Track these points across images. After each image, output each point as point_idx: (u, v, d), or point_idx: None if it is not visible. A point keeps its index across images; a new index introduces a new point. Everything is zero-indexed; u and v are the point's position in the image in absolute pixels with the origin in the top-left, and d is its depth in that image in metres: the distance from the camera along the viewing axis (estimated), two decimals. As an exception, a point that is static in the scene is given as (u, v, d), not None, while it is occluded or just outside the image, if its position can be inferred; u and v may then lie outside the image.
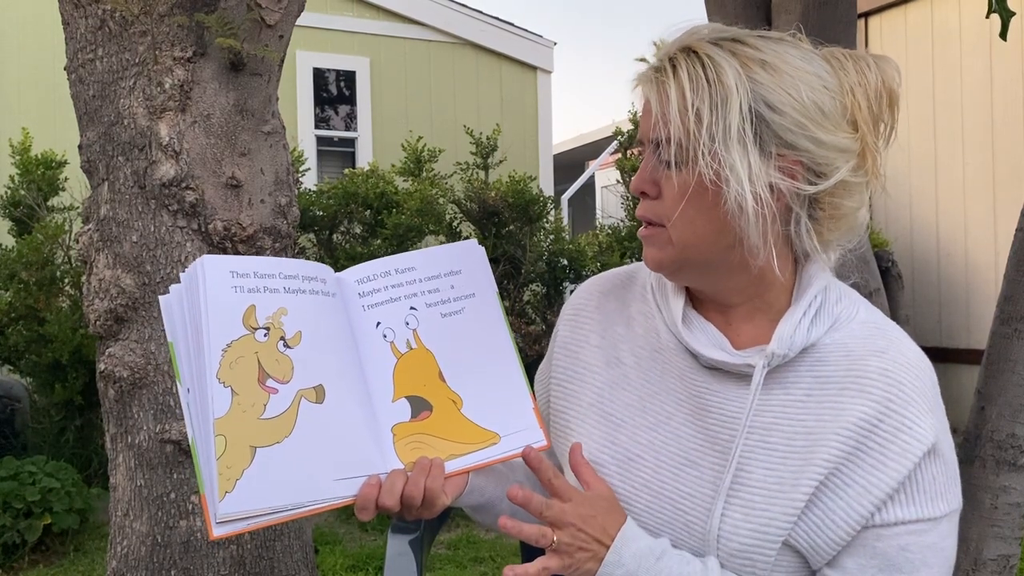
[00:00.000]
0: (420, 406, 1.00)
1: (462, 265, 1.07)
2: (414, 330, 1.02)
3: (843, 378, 0.95)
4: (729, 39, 0.94)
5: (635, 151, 5.95)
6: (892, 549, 0.93)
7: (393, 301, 1.03)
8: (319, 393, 0.94)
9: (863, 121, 0.94)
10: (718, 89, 0.90)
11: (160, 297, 0.96)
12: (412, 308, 1.03)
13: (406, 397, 1.00)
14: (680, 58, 0.93)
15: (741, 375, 0.98)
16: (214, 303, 0.92)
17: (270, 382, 0.92)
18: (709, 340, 1.00)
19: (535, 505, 0.95)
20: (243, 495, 0.88)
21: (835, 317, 0.99)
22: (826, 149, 0.92)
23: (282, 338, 0.94)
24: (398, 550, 1.15)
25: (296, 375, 0.93)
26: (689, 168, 0.92)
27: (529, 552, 1.30)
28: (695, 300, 1.04)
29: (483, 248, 1.10)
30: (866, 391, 0.94)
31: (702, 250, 0.96)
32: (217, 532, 0.87)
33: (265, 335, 0.93)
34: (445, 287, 1.05)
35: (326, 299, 0.99)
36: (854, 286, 1.06)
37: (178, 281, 0.96)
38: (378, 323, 1.01)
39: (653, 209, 0.97)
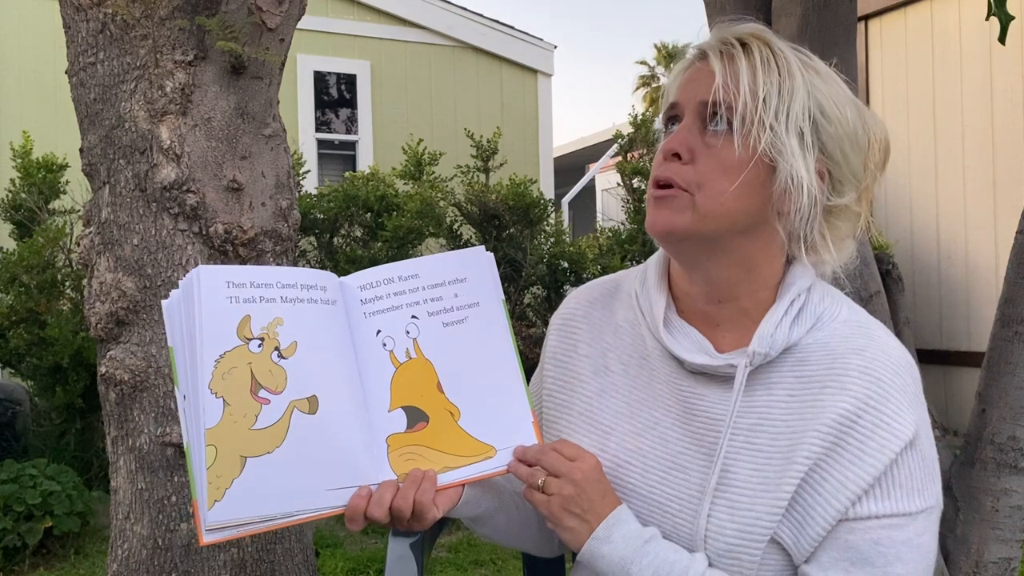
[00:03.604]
0: (416, 417, 0.99)
1: (468, 273, 1.05)
2: (414, 339, 1.01)
3: (824, 377, 0.96)
4: (788, 45, 0.99)
5: (634, 155, 5.95)
6: (864, 543, 0.93)
7: (395, 309, 1.01)
8: (312, 404, 0.93)
9: (872, 163, 1.00)
10: (788, 80, 0.94)
11: (163, 302, 0.96)
12: (414, 317, 1.02)
13: (403, 407, 0.99)
14: (752, 42, 0.96)
15: (725, 377, 0.99)
16: (208, 314, 0.91)
17: (263, 393, 0.92)
18: (692, 345, 1.01)
19: (532, 451, 0.99)
20: (232, 504, 0.88)
21: (817, 316, 1.00)
22: (849, 168, 0.98)
23: (276, 348, 0.94)
24: (399, 553, 1.15)
25: (289, 386, 0.93)
26: (744, 141, 0.94)
27: (531, 556, 1.30)
28: (679, 302, 1.05)
29: (491, 255, 1.07)
30: (846, 388, 0.94)
31: (719, 225, 0.96)
32: (207, 539, 0.88)
33: (259, 346, 0.93)
34: (448, 295, 1.03)
35: (325, 307, 0.98)
36: (859, 276, 1.08)
37: (178, 284, 0.96)
38: (378, 331, 1.00)
39: (682, 173, 0.96)
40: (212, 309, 0.92)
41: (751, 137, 0.93)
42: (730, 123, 0.94)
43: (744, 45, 0.96)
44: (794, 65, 0.95)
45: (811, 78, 0.96)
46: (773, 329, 0.97)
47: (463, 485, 1.00)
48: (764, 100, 0.93)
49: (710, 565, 0.95)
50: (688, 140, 0.96)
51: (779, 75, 0.94)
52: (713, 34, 1.00)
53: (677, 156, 0.97)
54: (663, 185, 0.97)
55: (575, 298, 1.16)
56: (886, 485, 0.93)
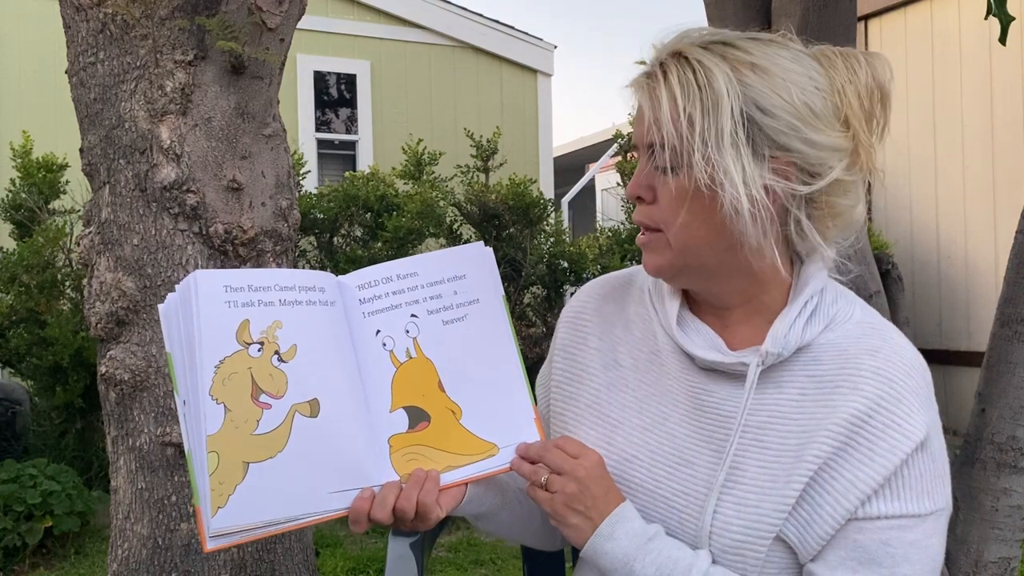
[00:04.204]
0: (418, 417, 0.99)
1: (467, 269, 1.04)
2: (414, 338, 1.01)
3: (836, 376, 0.96)
4: (719, 42, 0.95)
5: (633, 155, 5.95)
6: (873, 543, 0.93)
7: (394, 308, 1.01)
8: (313, 407, 0.93)
9: (855, 119, 0.95)
10: (709, 94, 0.91)
11: (159, 307, 0.96)
12: (413, 315, 1.01)
13: (404, 407, 0.99)
14: (670, 64, 0.94)
15: (736, 375, 0.99)
16: (207, 319, 0.91)
17: (263, 397, 0.91)
18: (704, 342, 1.01)
19: (535, 448, 0.99)
20: (235, 510, 0.88)
21: (830, 317, 0.99)
22: (819, 149, 0.93)
23: (276, 352, 0.93)
24: (399, 553, 1.15)
25: (290, 389, 0.93)
26: (684, 173, 0.93)
27: (531, 555, 1.30)
28: (691, 302, 1.05)
29: (490, 250, 1.06)
30: (858, 388, 0.94)
31: (700, 253, 0.96)
32: (211, 545, 0.88)
33: (259, 350, 0.92)
34: (448, 293, 1.03)
35: (324, 308, 0.97)
36: (856, 279, 1.06)
37: (178, 285, 0.95)
38: (378, 331, 1.00)
39: (649, 214, 0.98)
40: (210, 314, 0.91)
41: (684, 167, 0.92)
42: (669, 159, 0.94)
43: (664, 70, 0.94)
44: (715, 71, 0.91)
45: (741, 76, 0.91)
46: (787, 329, 0.96)
47: (466, 484, 1.00)
48: (689, 123, 0.90)
49: (714, 562, 0.95)
50: (646, 180, 0.97)
51: (699, 89, 0.91)
52: (651, 56, 0.98)
53: (641, 199, 0.98)
54: (641, 228, 0.99)
55: (586, 292, 1.16)
56: (896, 486, 0.93)
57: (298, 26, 2.16)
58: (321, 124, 7.43)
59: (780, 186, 0.92)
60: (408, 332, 1.01)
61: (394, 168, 5.84)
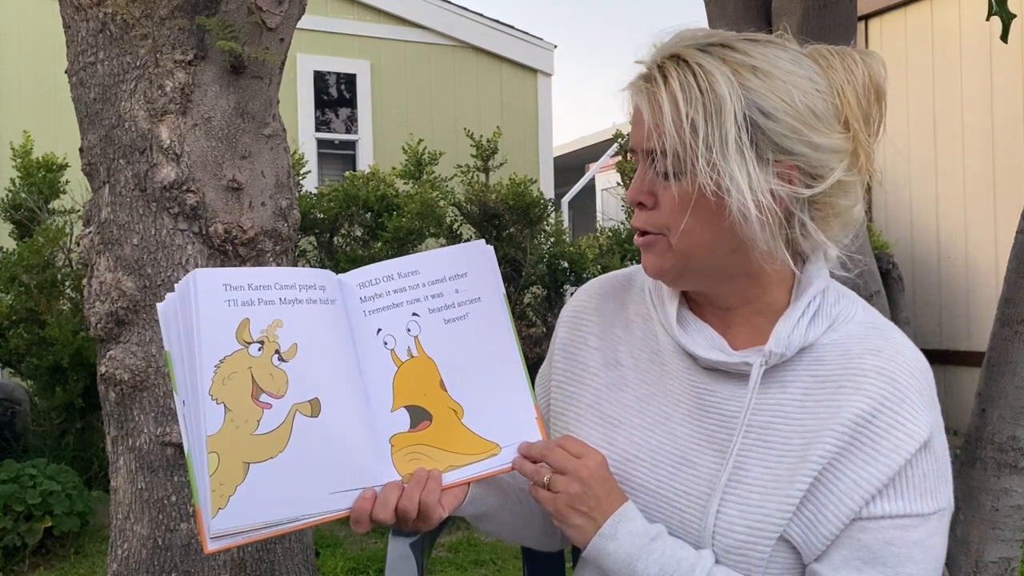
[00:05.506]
0: (420, 416, 0.98)
1: (469, 267, 1.04)
2: (415, 337, 1.00)
3: (840, 377, 0.96)
4: (718, 44, 0.93)
5: (631, 157, 5.94)
6: (877, 542, 0.93)
7: (395, 307, 1.00)
8: (314, 406, 0.93)
9: (854, 119, 0.95)
10: (711, 98, 0.90)
11: (158, 305, 0.95)
12: (414, 314, 1.00)
13: (405, 407, 0.98)
14: (670, 67, 0.92)
15: (739, 375, 0.98)
16: (206, 318, 0.90)
17: (264, 397, 0.91)
18: (706, 341, 1.01)
19: (537, 448, 0.99)
20: (236, 511, 0.88)
21: (833, 318, 0.99)
22: (821, 152, 0.92)
23: (277, 351, 0.92)
24: (399, 553, 1.15)
25: (291, 389, 0.92)
26: (687, 178, 0.92)
27: (531, 555, 1.30)
28: (692, 302, 1.05)
29: (491, 248, 1.06)
30: (861, 388, 0.94)
31: (703, 257, 0.96)
32: (211, 547, 0.87)
33: (259, 349, 0.92)
34: (449, 291, 1.02)
35: (325, 307, 0.96)
36: (859, 276, 1.06)
37: (178, 283, 0.95)
38: (379, 330, 0.99)
39: (651, 220, 0.97)
40: (210, 313, 0.90)
41: (687, 173, 0.91)
42: (671, 165, 0.92)
43: (664, 73, 0.92)
44: (716, 75, 0.90)
45: (742, 79, 0.90)
46: (790, 330, 0.96)
47: (468, 484, 1.00)
48: (692, 129, 0.89)
49: (717, 562, 0.95)
50: (646, 185, 0.96)
51: (701, 94, 0.89)
52: (647, 58, 0.96)
53: (642, 204, 0.97)
54: (644, 232, 0.98)
55: (586, 291, 1.15)
56: (900, 486, 0.93)
57: (298, 26, 2.16)
58: (321, 124, 7.43)
59: (784, 190, 0.92)
60: (409, 331, 1.00)
61: (394, 168, 5.84)
